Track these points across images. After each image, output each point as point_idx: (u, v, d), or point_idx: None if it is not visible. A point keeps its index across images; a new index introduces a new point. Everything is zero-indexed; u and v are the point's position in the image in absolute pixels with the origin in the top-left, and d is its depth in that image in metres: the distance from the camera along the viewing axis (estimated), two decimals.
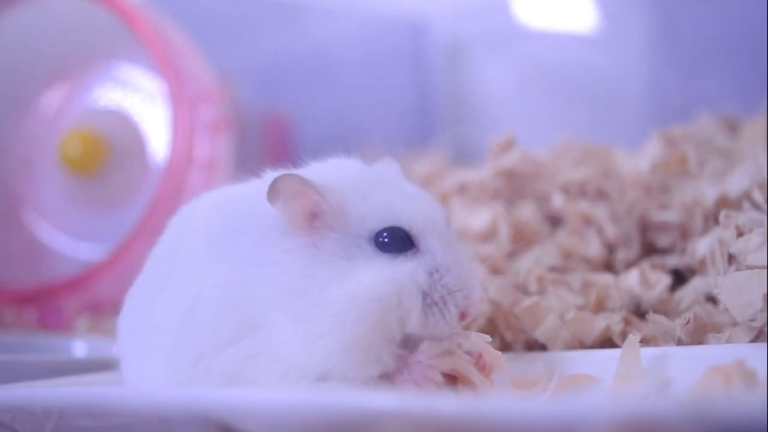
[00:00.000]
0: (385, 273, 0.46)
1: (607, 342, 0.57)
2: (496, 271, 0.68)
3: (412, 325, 0.46)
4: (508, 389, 0.49)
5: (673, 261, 0.68)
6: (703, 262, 0.61)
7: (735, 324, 0.52)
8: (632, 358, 0.48)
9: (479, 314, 0.61)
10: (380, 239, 0.47)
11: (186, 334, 0.48)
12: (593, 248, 0.71)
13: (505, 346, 0.60)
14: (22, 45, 1.03)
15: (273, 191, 0.46)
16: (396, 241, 0.47)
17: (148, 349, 0.50)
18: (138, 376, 0.51)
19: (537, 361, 0.55)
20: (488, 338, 0.49)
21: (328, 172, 0.50)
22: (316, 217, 0.47)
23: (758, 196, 0.62)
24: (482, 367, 0.48)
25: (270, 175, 0.49)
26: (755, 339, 0.50)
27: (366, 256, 0.47)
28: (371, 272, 0.46)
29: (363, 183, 0.49)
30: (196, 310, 0.48)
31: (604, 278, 0.65)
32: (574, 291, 0.63)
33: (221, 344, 0.47)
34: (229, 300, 0.47)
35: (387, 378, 0.47)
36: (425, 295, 0.46)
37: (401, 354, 0.46)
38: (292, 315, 0.46)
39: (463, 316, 0.47)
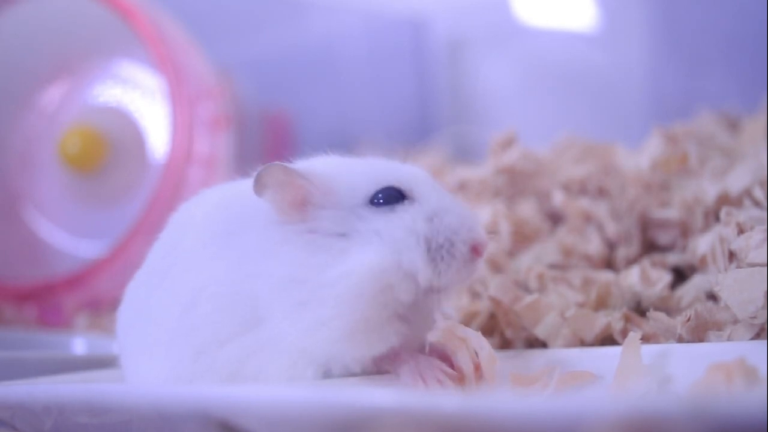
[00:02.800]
0: (377, 241, 0.46)
1: (607, 339, 0.57)
2: (496, 268, 0.68)
3: (422, 277, 0.46)
4: (508, 386, 0.49)
5: (673, 258, 0.68)
6: (703, 260, 0.61)
7: (736, 321, 0.51)
8: (633, 355, 0.48)
9: (480, 312, 0.61)
10: (375, 202, 0.47)
11: (185, 330, 0.48)
12: (594, 246, 0.71)
13: (505, 344, 0.60)
14: (22, 42, 1.03)
15: (259, 184, 0.47)
16: (390, 199, 0.47)
17: (148, 343, 0.50)
18: (138, 371, 0.51)
19: (537, 358, 0.54)
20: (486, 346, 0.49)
21: (313, 161, 0.51)
22: (306, 202, 0.47)
23: (759, 194, 0.62)
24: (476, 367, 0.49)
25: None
26: (756, 336, 0.50)
27: (363, 224, 0.47)
28: (365, 245, 0.46)
29: (346, 162, 0.50)
30: (196, 305, 0.48)
31: (605, 276, 0.65)
32: (574, 288, 0.63)
33: (223, 339, 0.47)
34: (229, 296, 0.47)
35: (391, 367, 0.47)
36: (428, 240, 0.46)
37: (406, 331, 0.46)
38: (293, 305, 0.46)
39: (476, 250, 0.47)
